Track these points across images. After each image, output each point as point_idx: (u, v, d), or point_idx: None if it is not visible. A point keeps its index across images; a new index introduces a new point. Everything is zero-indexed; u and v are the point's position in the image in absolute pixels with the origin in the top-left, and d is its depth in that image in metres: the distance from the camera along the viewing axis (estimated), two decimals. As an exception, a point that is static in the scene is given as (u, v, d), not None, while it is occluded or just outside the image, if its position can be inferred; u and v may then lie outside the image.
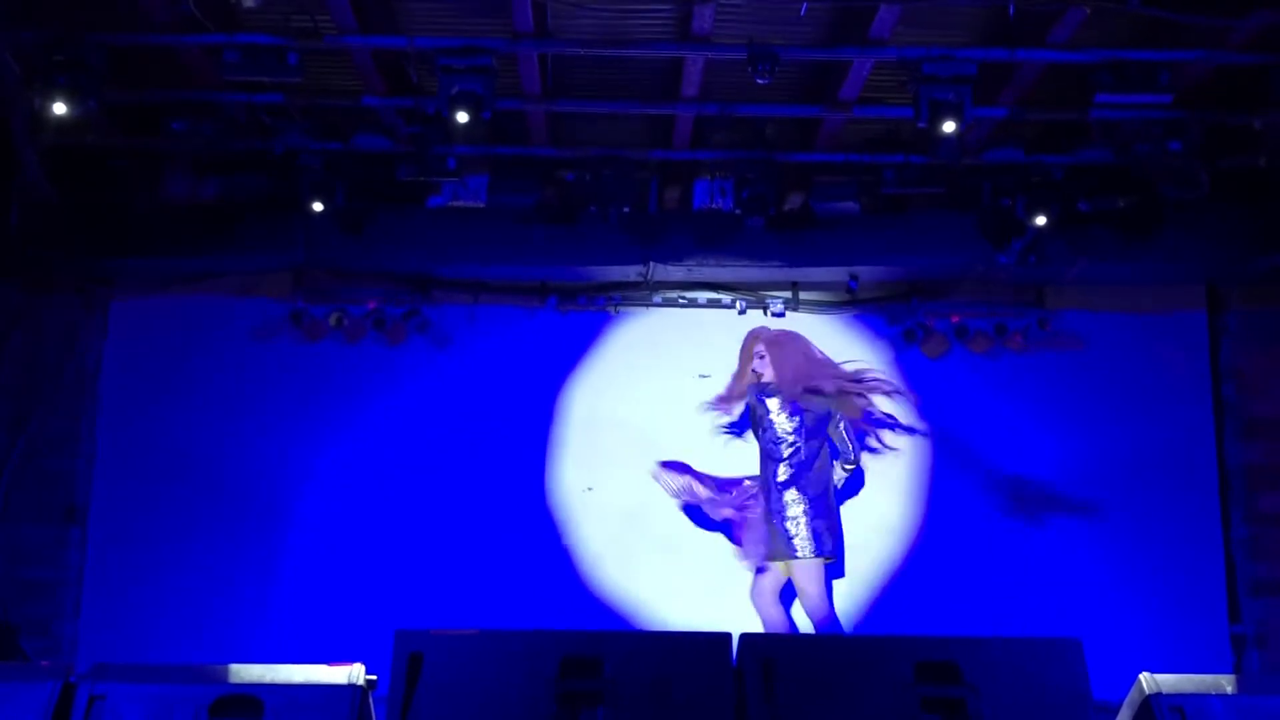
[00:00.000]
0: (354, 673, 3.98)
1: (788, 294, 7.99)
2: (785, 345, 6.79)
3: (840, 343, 7.96)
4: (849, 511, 7.54)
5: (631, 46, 6.38)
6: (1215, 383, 7.97)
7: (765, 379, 6.70)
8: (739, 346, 7.45)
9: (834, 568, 6.70)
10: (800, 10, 5.93)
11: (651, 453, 7.43)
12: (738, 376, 6.86)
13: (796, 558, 6.42)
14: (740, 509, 6.71)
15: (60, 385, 7.68)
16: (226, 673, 4.05)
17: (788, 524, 6.43)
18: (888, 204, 7.57)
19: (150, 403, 7.75)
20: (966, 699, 4.04)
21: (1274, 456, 7.83)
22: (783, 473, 6.51)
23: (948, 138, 6.53)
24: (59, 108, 6.05)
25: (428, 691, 4.03)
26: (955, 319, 7.88)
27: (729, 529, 6.89)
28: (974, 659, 4.13)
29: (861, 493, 7.61)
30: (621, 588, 7.58)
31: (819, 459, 6.57)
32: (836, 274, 7.80)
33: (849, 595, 7.55)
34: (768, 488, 6.55)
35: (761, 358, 6.74)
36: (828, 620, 6.47)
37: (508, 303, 7.99)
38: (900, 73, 6.64)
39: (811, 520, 6.42)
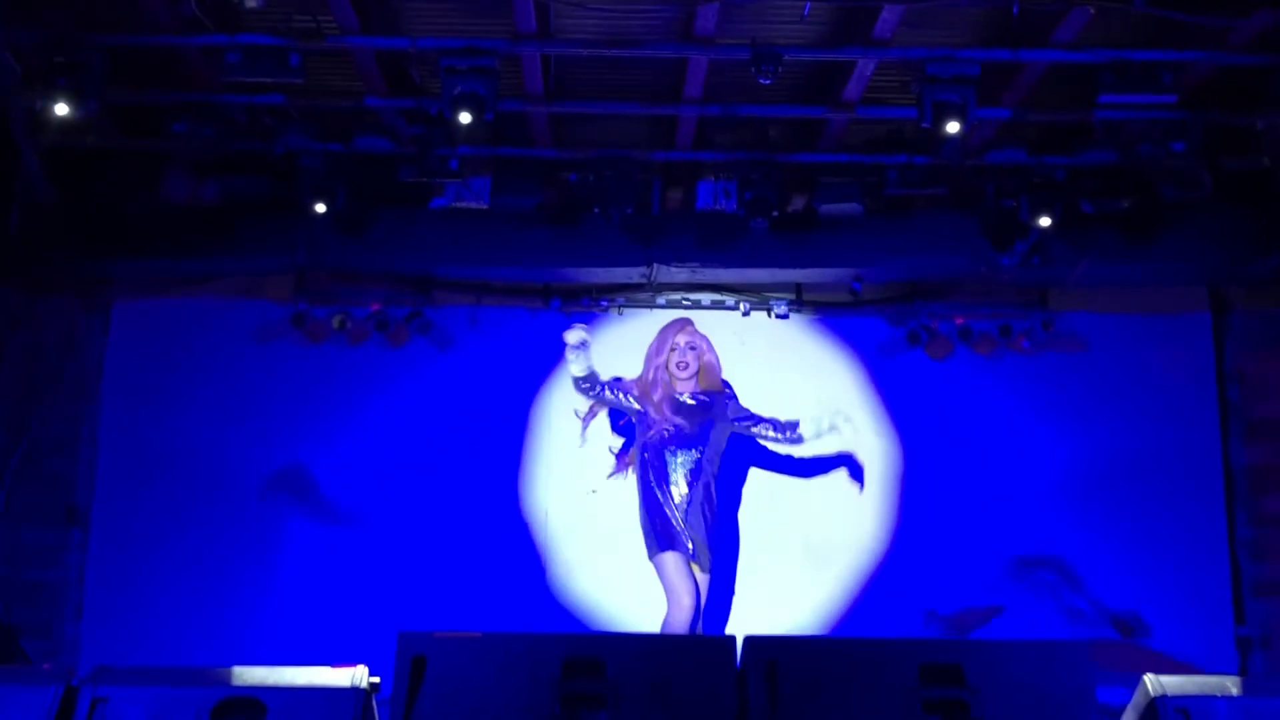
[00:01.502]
0: (357, 675, 3.97)
1: (791, 295, 7.99)
2: (705, 344, 6.49)
3: (844, 344, 7.97)
4: (852, 512, 7.60)
5: (634, 47, 6.37)
6: (1219, 384, 7.96)
7: (690, 371, 6.36)
8: (738, 346, 7.50)
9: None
10: (803, 11, 5.93)
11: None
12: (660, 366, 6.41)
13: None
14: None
15: (61, 387, 7.67)
16: (229, 675, 4.03)
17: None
18: (891, 205, 7.56)
19: (151, 404, 7.74)
20: (970, 702, 4.03)
21: (1278, 458, 7.82)
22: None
23: (951, 138, 6.53)
24: (60, 108, 6.04)
25: (430, 694, 4.01)
26: (959, 320, 7.87)
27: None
28: (978, 662, 4.11)
29: (863, 494, 7.62)
30: (622, 588, 7.56)
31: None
32: (840, 275, 7.79)
33: (853, 597, 7.57)
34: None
35: (693, 349, 6.39)
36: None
37: (510, 304, 7.98)
38: (903, 73, 6.64)
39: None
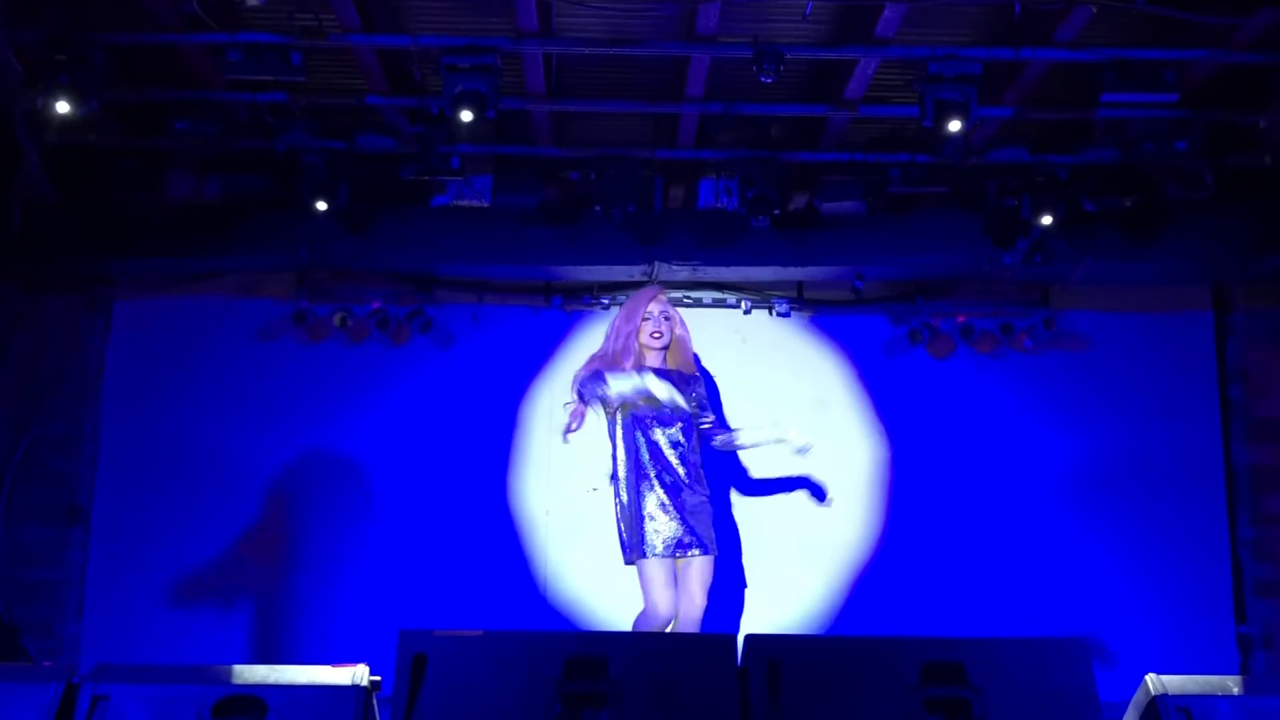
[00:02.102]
0: (358, 673, 3.96)
1: (792, 294, 7.99)
2: (678, 316, 6.14)
3: (845, 343, 7.97)
4: (851, 511, 7.60)
5: (636, 45, 6.36)
6: (1222, 383, 7.95)
7: (663, 342, 6.00)
8: (739, 344, 7.49)
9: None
10: (805, 9, 5.92)
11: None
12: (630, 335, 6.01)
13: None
14: None
15: (62, 386, 7.67)
16: (230, 673, 4.03)
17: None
18: (893, 203, 7.54)
19: (153, 403, 7.74)
20: (972, 700, 4.02)
21: (1280, 457, 7.84)
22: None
23: (953, 137, 6.52)
24: (61, 107, 6.02)
25: (431, 692, 4.01)
26: (961, 319, 7.87)
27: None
28: (979, 660, 4.11)
29: (863, 492, 7.66)
30: (623, 587, 7.55)
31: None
32: (841, 274, 7.77)
33: (857, 596, 7.56)
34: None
35: (667, 319, 6.01)
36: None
37: (511, 302, 7.98)
38: (905, 72, 6.63)
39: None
